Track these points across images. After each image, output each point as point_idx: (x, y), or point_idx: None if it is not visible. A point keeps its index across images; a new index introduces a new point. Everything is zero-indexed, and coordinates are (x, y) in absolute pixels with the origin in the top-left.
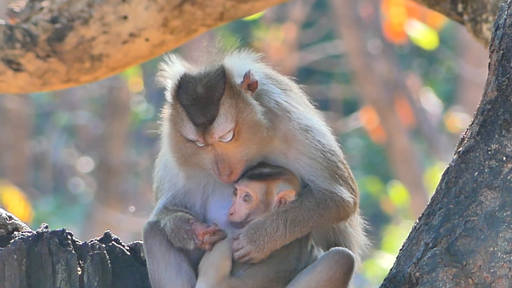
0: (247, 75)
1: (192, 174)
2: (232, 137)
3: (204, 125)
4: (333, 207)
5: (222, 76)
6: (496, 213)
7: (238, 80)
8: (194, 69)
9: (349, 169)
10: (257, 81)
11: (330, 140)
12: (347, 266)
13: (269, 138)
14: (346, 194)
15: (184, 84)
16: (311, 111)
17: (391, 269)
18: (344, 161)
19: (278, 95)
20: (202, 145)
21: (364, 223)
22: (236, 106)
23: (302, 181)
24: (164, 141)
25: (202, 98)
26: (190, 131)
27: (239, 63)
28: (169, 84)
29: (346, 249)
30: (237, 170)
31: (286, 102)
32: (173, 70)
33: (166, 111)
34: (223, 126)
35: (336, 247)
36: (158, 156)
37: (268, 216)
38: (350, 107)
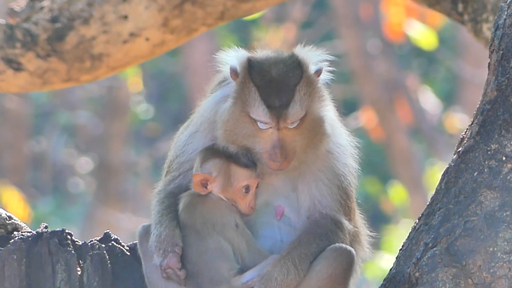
0: (321, 68)
1: None
2: (297, 125)
3: (279, 109)
4: (332, 234)
5: (297, 63)
6: (496, 213)
7: (313, 69)
8: (257, 54)
9: (355, 203)
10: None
11: (354, 162)
12: (347, 262)
13: (321, 140)
14: (348, 225)
15: (256, 65)
16: (341, 126)
17: (390, 269)
18: (355, 190)
19: (327, 103)
20: (268, 127)
21: (364, 223)
22: (310, 95)
23: (309, 196)
24: (220, 115)
25: (277, 82)
26: (262, 113)
27: (312, 53)
28: (234, 63)
29: (345, 245)
30: (289, 159)
31: (332, 113)
32: (236, 52)
33: (232, 92)
34: (297, 113)
35: (335, 244)
36: (188, 133)
37: (276, 262)
38: (349, 107)
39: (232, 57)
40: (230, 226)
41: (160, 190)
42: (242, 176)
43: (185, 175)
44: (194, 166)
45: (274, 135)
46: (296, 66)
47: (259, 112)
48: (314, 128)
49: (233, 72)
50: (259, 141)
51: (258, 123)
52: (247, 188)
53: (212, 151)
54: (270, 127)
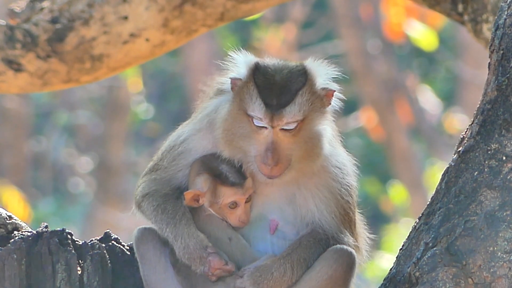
0: (332, 90)
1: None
2: (294, 129)
3: (276, 107)
4: (333, 243)
5: (303, 72)
6: (496, 213)
7: (321, 83)
8: (265, 60)
9: (356, 214)
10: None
11: (353, 179)
12: (347, 263)
13: (318, 156)
14: (349, 238)
15: (261, 68)
16: (341, 146)
17: (391, 269)
18: (356, 204)
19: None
20: (263, 126)
21: (364, 223)
22: (312, 103)
23: (309, 213)
24: (219, 117)
25: (280, 85)
26: (258, 108)
27: (321, 67)
28: (241, 65)
29: (345, 247)
30: (282, 166)
31: (331, 133)
32: (247, 56)
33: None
34: (295, 113)
35: (335, 246)
36: (192, 128)
37: (276, 260)
38: (350, 107)
39: (240, 63)
40: (223, 240)
41: (147, 193)
42: (226, 194)
43: (176, 168)
44: (188, 180)
45: (269, 137)
46: (302, 74)
47: (255, 107)
48: (312, 140)
49: (234, 81)
50: (254, 142)
51: (254, 120)
52: (234, 204)
53: (202, 166)
54: (266, 127)
